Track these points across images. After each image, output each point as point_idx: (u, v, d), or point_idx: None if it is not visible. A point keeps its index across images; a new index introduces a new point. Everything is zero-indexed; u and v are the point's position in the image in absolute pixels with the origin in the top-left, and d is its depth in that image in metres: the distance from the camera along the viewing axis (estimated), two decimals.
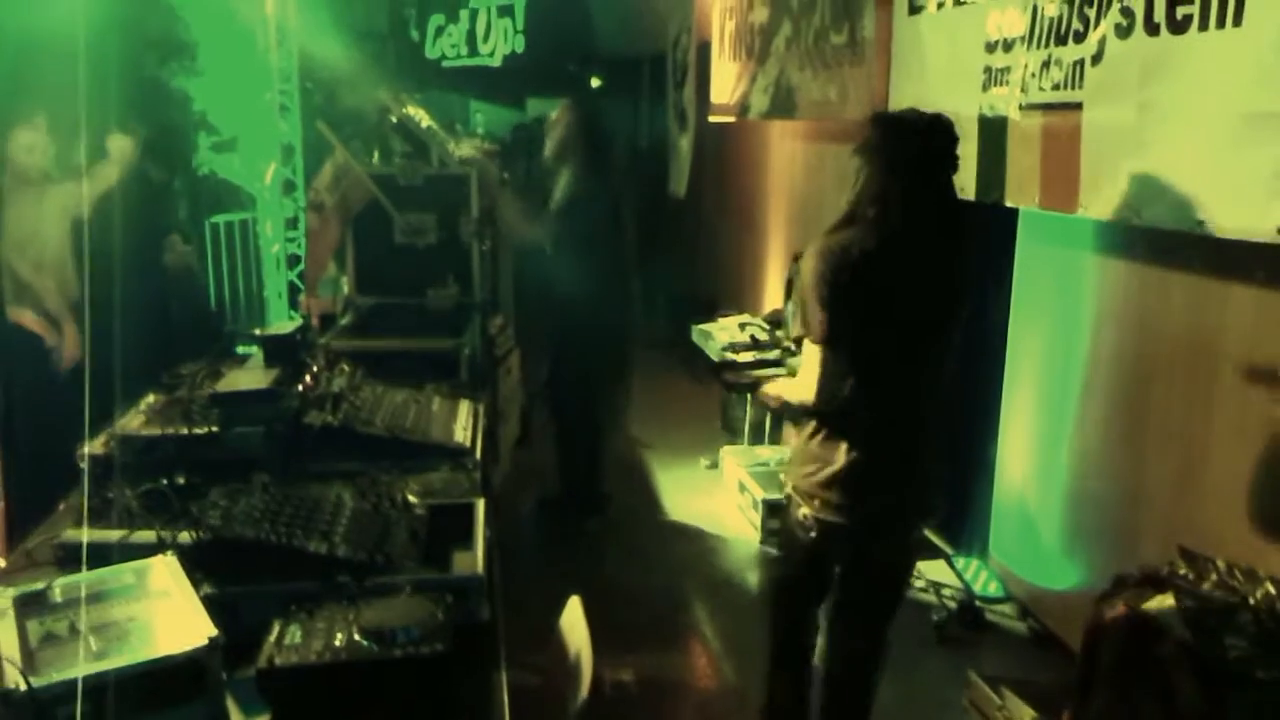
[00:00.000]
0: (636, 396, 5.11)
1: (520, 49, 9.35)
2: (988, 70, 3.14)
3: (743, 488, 4.92)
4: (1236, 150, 2.17)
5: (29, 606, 1.59)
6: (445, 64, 9.95)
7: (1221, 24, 2.19)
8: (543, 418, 4.90)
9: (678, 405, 6.27)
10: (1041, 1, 2.86)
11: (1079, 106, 2.69)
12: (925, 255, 2.38)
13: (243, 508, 1.94)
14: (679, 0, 7.30)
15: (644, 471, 5.48)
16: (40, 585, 1.65)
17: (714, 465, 5.47)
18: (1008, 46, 3.04)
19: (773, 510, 4.62)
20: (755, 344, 4.99)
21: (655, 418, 5.84)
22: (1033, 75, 2.90)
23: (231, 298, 7.34)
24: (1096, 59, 2.61)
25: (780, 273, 5.97)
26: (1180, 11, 2.30)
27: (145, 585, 1.67)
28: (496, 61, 9.57)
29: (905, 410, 2.48)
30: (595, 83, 10.28)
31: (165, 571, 1.71)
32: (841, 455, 2.47)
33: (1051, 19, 2.81)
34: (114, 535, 1.95)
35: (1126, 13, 2.48)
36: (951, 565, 4.09)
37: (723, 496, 5.16)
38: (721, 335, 5.31)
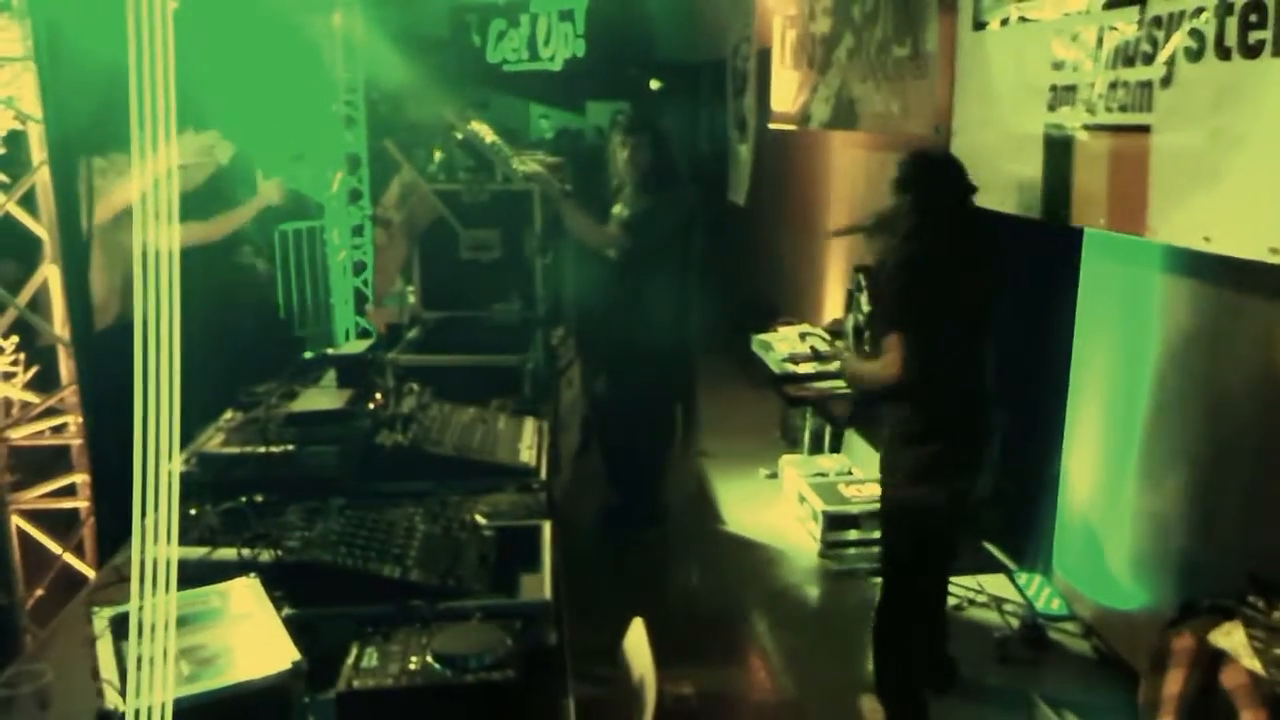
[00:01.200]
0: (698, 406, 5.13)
1: (581, 53, 9.43)
2: (1054, 89, 3.11)
3: (802, 499, 4.91)
4: None
5: (122, 628, 1.66)
6: (506, 68, 10.07)
7: None
8: (601, 428, 4.94)
9: (736, 413, 6.27)
10: (1110, 21, 2.83)
11: (1148, 129, 2.65)
12: (964, 260, 2.99)
13: (320, 531, 2.01)
14: (739, 7, 7.29)
15: (702, 481, 5.50)
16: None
17: (773, 475, 5.46)
18: (1075, 65, 3.00)
19: (833, 523, 4.61)
20: (816, 355, 4.96)
21: (713, 426, 5.85)
22: (1100, 95, 2.87)
23: (300, 303, 7.51)
24: (1166, 81, 2.58)
25: (841, 282, 5.95)
26: (1253, 36, 2.26)
27: (229, 608, 1.74)
28: (557, 66, 9.66)
29: (963, 379, 3.05)
30: (655, 85, 10.31)
31: (248, 594, 1.78)
32: (915, 417, 3.03)
33: (1120, 39, 2.77)
34: (196, 553, 2.03)
35: (1196, 36, 2.44)
36: (1013, 581, 4.05)
37: (782, 507, 5.16)
38: (782, 346, 5.29)
